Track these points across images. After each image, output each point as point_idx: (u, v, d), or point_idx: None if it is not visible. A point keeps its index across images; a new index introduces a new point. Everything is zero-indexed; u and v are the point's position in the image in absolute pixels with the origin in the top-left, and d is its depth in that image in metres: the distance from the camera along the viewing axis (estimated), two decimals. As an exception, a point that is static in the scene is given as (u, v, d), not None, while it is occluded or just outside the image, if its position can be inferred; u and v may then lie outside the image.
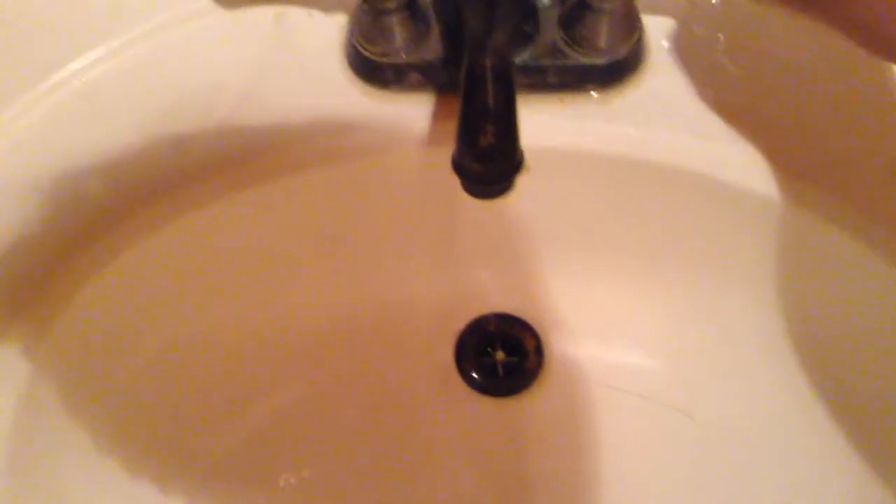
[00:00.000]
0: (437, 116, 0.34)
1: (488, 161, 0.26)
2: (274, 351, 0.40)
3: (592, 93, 0.34)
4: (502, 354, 0.42)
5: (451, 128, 0.33)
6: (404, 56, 0.34)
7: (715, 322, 0.39)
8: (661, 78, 0.34)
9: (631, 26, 0.33)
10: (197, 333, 0.39)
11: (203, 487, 0.38)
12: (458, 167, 0.27)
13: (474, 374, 0.41)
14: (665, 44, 0.34)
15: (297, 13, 0.36)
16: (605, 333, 0.41)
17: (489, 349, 0.42)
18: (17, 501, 0.32)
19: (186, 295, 0.38)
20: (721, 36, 0.35)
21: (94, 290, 0.34)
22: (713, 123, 0.33)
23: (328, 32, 0.35)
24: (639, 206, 0.36)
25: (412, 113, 0.34)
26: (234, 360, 0.39)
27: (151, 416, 0.37)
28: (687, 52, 0.34)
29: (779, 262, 0.36)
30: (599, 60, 0.33)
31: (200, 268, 0.38)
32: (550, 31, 0.33)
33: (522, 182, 0.33)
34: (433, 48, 0.34)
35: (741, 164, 0.33)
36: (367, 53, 0.34)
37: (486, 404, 0.41)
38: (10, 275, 0.32)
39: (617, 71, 0.34)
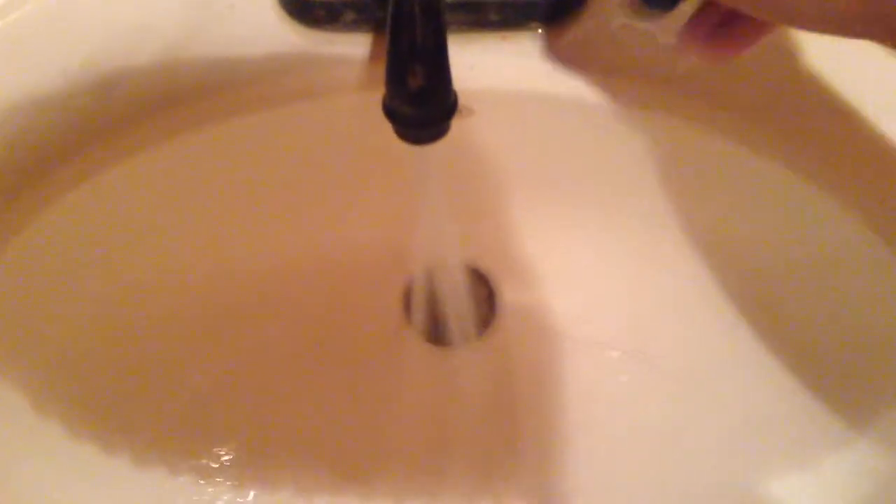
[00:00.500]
0: (375, 57, 0.32)
1: (418, 104, 0.25)
2: (217, 303, 0.38)
3: (539, 30, 0.32)
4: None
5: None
6: (337, -7, 0.32)
7: (657, 265, 0.38)
8: (609, 14, 0.32)
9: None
10: (137, 282, 0.37)
11: (152, 448, 0.37)
12: (388, 111, 0.26)
13: (424, 324, 0.40)
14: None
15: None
16: (555, 281, 0.40)
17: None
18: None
19: (125, 243, 0.36)
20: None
21: (34, 233, 0.33)
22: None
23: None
24: (586, 148, 0.35)
25: (348, 53, 0.32)
26: (177, 311, 0.38)
27: (89, 370, 0.36)
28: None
29: (710, 196, 0.35)
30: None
31: (138, 215, 0.36)
32: (490, -36, 0.31)
33: (465, 125, 0.32)
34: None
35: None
36: (297, -10, 0.32)
37: (436, 354, 0.40)
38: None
39: (562, 6, 0.32)
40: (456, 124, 0.28)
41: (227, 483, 0.38)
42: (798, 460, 0.35)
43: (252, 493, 0.37)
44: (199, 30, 0.33)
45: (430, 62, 0.25)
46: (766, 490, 0.36)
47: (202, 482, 0.37)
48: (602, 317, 0.40)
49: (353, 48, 0.32)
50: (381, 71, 0.33)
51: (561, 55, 0.32)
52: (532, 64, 0.32)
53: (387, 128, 0.34)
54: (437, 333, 0.40)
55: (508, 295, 0.41)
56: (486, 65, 0.32)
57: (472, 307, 0.41)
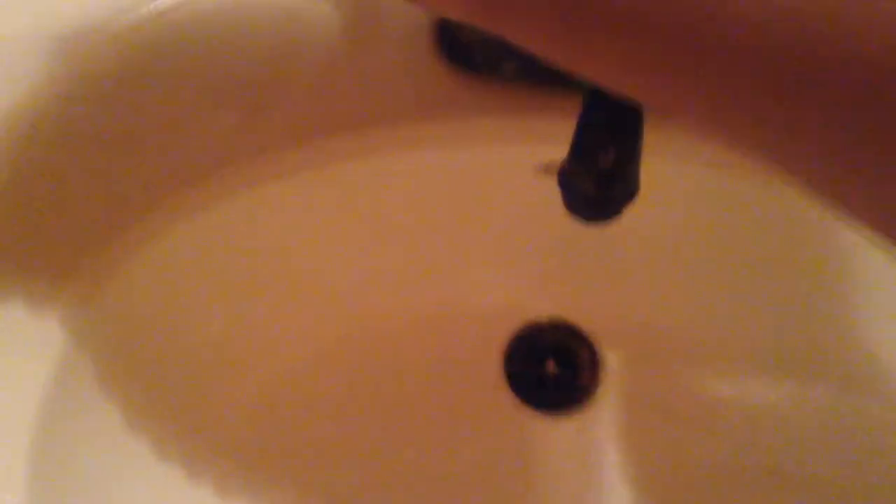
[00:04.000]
0: (531, 109, 0.31)
1: (604, 184, 0.23)
2: (312, 354, 0.37)
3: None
4: (554, 366, 0.39)
5: (547, 128, 0.30)
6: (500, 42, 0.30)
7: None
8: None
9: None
10: (233, 329, 0.36)
11: (235, 476, 0.36)
12: (566, 183, 0.24)
13: (523, 386, 0.39)
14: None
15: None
16: (670, 351, 0.38)
17: (540, 360, 0.39)
18: (42, 470, 0.29)
19: (224, 286, 0.35)
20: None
21: (140, 266, 0.31)
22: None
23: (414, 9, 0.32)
24: (710, 220, 0.33)
25: (502, 104, 0.31)
26: (272, 359, 0.36)
27: (179, 403, 0.34)
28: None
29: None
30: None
31: (241, 260, 0.35)
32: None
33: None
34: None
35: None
36: (459, 32, 0.30)
37: (535, 419, 0.38)
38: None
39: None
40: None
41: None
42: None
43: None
44: (350, 62, 0.31)
45: (626, 144, 0.23)
46: None
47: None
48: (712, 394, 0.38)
49: (507, 100, 0.31)
50: (531, 127, 0.31)
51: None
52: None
53: (514, 182, 0.32)
54: (536, 396, 0.38)
55: (612, 362, 0.39)
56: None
57: (574, 370, 0.39)
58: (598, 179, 0.23)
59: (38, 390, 0.29)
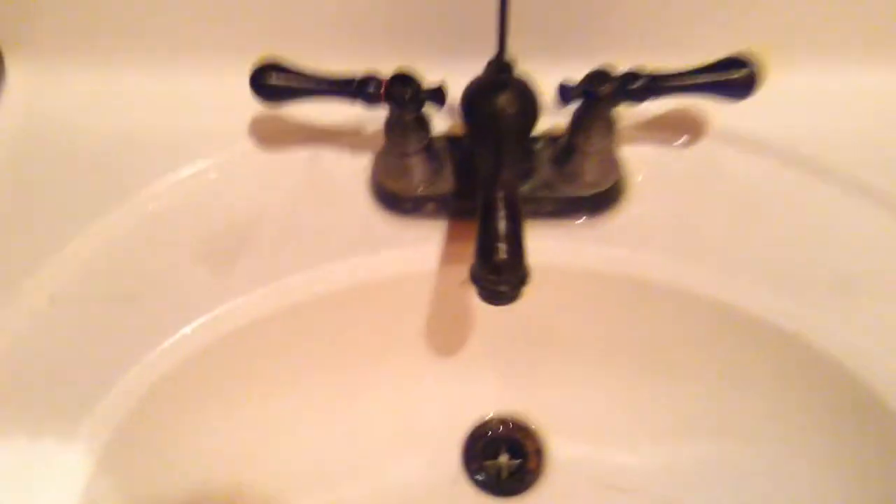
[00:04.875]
0: (451, 238, 0.40)
1: (500, 274, 0.32)
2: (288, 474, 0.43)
3: (583, 219, 0.40)
4: (506, 458, 0.45)
5: (462, 248, 0.39)
6: (421, 190, 0.40)
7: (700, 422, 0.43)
8: (639, 207, 0.40)
9: (612, 165, 0.39)
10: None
11: None
12: (476, 279, 0.33)
13: (479, 477, 0.45)
14: (640, 178, 0.41)
15: (328, 155, 0.42)
16: (599, 435, 0.45)
17: (493, 452, 0.45)
18: None
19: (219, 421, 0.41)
20: (684, 170, 0.41)
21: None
22: (681, 244, 0.39)
23: (354, 171, 0.42)
24: (625, 317, 0.42)
25: (428, 236, 0.40)
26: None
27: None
28: (658, 185, 0.41)
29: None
30: (586, 193, 0.39)
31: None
32: (545, 169, 0.39)
33: (527, 294, 0.38)
34: (446, 183, 0.40)
35: (712, 280, 0.39)
36: (390, 188, 0.40)
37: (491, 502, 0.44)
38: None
39: (602, 201, 0.40)
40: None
41: None
42: None
43: None
44: (306, 221, 0.40)
45: (511, 242, 0.31)
46: None
47: None
48: (643, 468, 0.44)
49: (432, 232, 0.40)
50: (455, 250, 0.40)
51: (601, 240, 0.40)
52: (578, 247, 0.40)
53: (455, 295, 0.41)
54: (492, 485, 0.44)
55: (556, 450, 0.45)
56: (543, 247, 0.39)
57: (523, 459, 0.45)
58: (494, 271, 0.31)
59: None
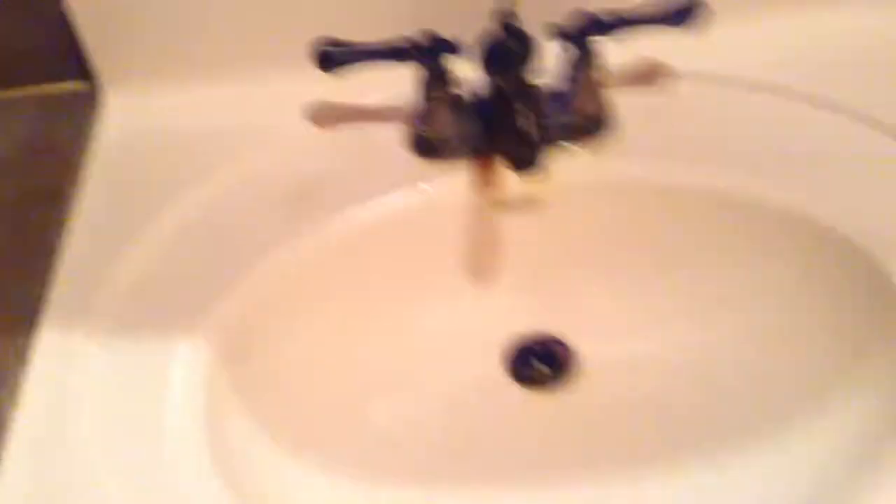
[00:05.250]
0: (479, 171, 0.50)
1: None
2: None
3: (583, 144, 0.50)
4: (541, 364, 0.53)
5: (489, 179, 0.48)
6: (450, 134, 0.50)
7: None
8: (632, 131, 0.50)
9: (600, 98, 0.50)
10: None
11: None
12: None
13: (520, 379, 0.53)
14: (625, 111, 0.51)
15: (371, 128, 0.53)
16: (625, 334, 0.53)
17: (531, 364, 0.53)
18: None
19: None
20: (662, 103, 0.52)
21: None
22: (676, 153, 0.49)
23: (393, 136, 0.52)
24: (637, 223, 0.51)
25: (458, 171, 0.50)
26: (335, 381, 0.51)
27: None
28: (643, 115, 0.51)
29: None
30: (582, 122, 0.49)
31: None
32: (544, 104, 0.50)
33: (547, 215, 0.48)
34: (473, 126, 0.50)
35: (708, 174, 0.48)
36: (423, 135, 0.50)
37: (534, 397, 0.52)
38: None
39: (597, 128, 0.50)
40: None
41: None
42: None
43: None
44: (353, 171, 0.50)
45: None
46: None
47: None
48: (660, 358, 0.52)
49: (461, 168, 0.50)
50: (484, 179, 0.50)
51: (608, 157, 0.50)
52: (585, 165, 0.50)
53: (482, 223, 0.50)
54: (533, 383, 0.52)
55: (588, 351, 0.53)
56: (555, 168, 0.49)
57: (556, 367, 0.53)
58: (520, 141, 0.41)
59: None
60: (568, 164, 0.49)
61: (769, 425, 0.47)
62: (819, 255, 0.47)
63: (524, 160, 0.42)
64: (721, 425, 0.48)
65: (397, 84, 0.49)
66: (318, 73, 0.47)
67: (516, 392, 0.52)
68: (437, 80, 0.48)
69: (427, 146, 0.51)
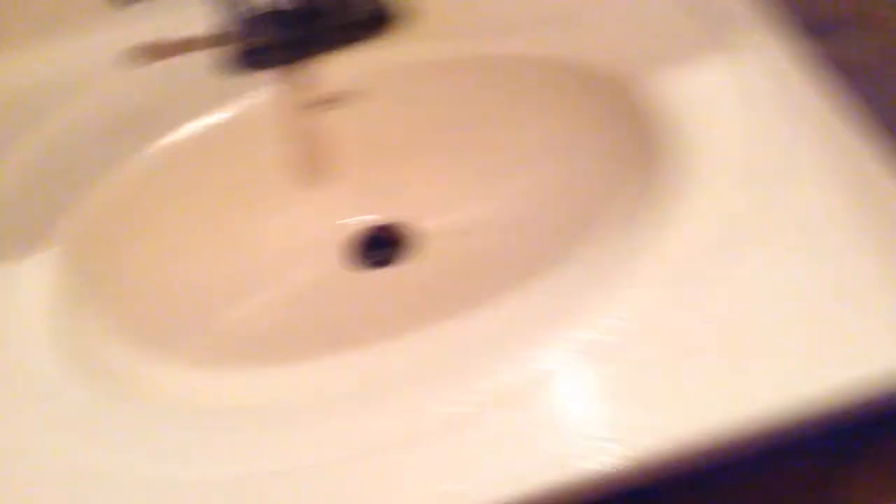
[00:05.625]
0: (284, 79, 0.55)
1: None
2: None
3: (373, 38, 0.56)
4: (380, 253, 0.58)
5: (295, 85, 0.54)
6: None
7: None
8: (419, 20, 0.56)
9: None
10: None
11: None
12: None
13: (362, 264, 0.58)
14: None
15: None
16: (457, 207, 0.59)
17: (370, 251, 0.59)
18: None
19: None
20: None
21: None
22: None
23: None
24: (446, 102, 0.56)
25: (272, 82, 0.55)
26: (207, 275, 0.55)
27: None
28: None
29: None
30: (365, 17, 0.55)
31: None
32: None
33: (362, 108, 0.53)
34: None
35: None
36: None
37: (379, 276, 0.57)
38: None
39: (383, 22, 0.56)
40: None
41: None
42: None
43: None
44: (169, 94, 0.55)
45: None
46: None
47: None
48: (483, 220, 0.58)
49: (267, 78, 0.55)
50: (290, 86, 0.55)
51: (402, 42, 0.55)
52: (383, 53, 0.55)
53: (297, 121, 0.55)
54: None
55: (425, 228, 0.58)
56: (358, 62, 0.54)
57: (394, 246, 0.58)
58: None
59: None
60: (367, 56, 0.55)
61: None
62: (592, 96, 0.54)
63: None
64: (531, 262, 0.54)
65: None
66: (136, 18, 0.52)
67: (358, 278, 0.58)
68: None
69: (246, 60, 0.56)
